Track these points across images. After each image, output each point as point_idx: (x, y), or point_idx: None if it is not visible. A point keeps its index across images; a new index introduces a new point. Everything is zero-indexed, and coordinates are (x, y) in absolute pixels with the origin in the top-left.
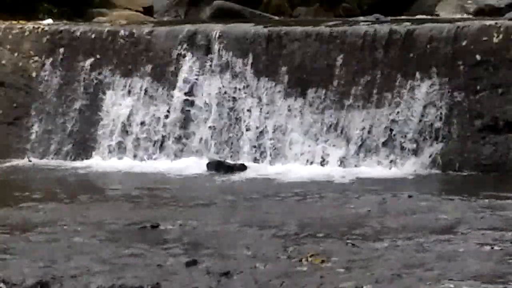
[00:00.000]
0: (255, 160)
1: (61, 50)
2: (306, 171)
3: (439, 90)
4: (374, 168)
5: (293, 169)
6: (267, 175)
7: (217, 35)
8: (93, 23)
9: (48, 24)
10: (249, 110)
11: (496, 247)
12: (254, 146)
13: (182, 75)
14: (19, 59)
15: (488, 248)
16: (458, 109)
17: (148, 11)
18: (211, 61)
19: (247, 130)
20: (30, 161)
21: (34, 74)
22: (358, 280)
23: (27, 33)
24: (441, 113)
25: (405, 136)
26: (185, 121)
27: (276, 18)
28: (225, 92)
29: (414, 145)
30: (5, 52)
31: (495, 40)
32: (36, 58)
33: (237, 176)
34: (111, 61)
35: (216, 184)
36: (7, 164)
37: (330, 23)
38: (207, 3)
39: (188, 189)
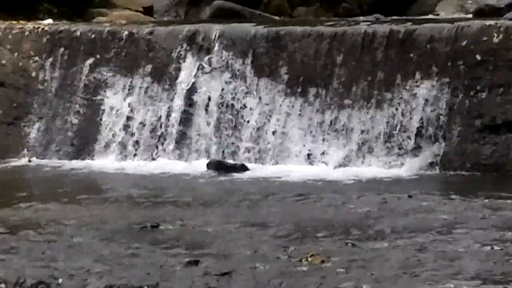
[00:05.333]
0: (255, 160)
1: (61, 50)
2: (306, 171)
3: (439, 90)
4: (374, 168)
5: (293, 169)
6: (267, 175)
7: (217, 35)
8: (93, 23)
9: (48, 24)
10: (249, 110)
11: (496, 247)
12: (254, 146)
13: (182, 75)
14: (19, 59)
15: (488, 248)
16: (458, 109)
17: (148, 11)
18: (211, 61)
19: (247, 130)
20: (30, 161)
21: (34, 74)
22: (358, 280)
23: (27, 33)
24: (441, 113)
25: (405, 136)
26: (185, 121)
27: (276, 18)
28: (225, 92)
29: (414, 145)
30: (5, 52)
31: (495, 40)
32: (36, 58)
33: (237, 176)
34: (111, 61)
35: (216, 184)
36: (7, 164)
37: (330, 23)
38: (207, 3)
39: (188, 189)
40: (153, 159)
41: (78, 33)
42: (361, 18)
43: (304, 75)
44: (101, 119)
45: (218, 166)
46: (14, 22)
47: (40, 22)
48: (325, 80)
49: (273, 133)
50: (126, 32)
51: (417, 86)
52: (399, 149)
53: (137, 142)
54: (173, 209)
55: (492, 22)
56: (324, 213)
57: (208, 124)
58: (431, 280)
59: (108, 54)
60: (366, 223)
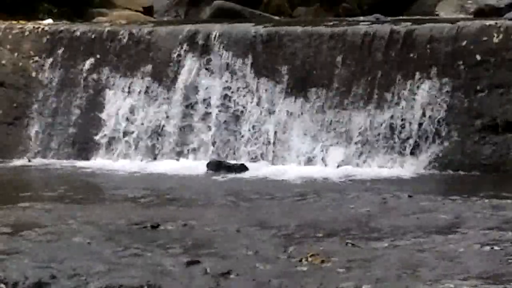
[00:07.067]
0: (255, 160)
1: (61, 50)
2: (306, 171)
3: (439, 90)
4: (374, 168)
5: (293, 169)
6: (267, 175)
7: (217, 35)
8: (93, 23)
9: (48, 24)
10: (249, 110)
11: (496, 247)
12: (254, 146)
13: (182, 75)
14: (19, 59)
15: (488, 248)
16: (458, 109)
17: (148, 11)
18: (211, 61)
19: (247, 130)
20: (30, 161)
21: (34, 74)
22: (358, 280)
23: (27, 33)
24: (441, 113)
25: (405, 136)
26: (185, 121)
27: (276, 18)
28: (225, 92)
29: (414, 145)
30: (5, 52)
31: (495, 40)
32: (36, 58)
33: (237, 176)
34: (111, 61)
35: (216, 184)
36: (7, 164)
37: (330, 23)
38: (207, 3)
39: (188, 189)
40: (153, 159)
41: (78, 33)
42: (361, 18)
43: (304, 75)
44: (101, 119)
45: (218, 166)
46: (14, 22)
47: (40, 22)
48: (325, 80)
49: (273, 133)
50: (126, 32)
51: (417, 86)
52: (399, 149)
53: (137, 142)
54: (173, 209)
55: (492, 22)
56: (324, 213)
57: (208, 124)
58: (431, 280)
59: (108, 54)
60: (366, 223)
